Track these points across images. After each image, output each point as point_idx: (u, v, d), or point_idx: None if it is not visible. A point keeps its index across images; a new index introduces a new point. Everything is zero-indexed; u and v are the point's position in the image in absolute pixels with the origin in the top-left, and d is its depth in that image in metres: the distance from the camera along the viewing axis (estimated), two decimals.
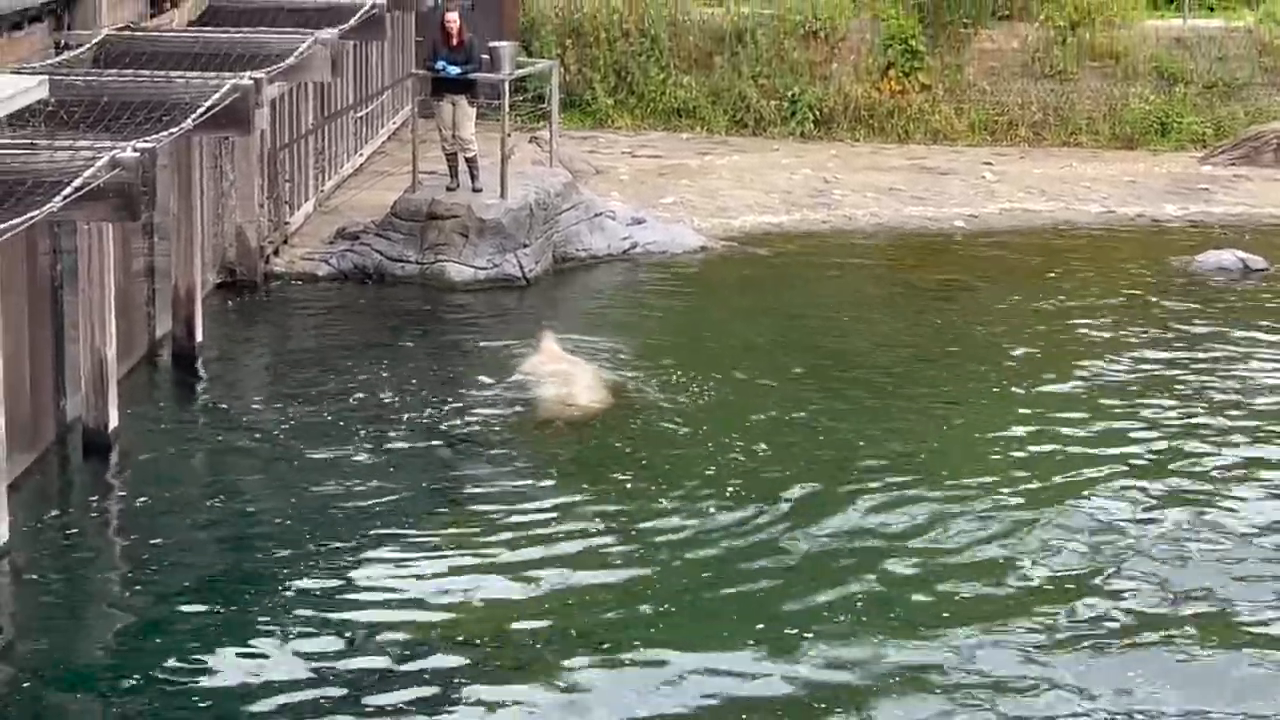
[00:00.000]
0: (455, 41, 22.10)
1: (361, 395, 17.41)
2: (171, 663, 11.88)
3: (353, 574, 13.35)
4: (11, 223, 11.81)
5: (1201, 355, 19.36)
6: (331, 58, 18.08)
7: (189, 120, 14.87)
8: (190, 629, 12.40)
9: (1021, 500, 14.92)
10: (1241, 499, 15.06)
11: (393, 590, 13.07)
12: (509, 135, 22.93)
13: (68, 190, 12.38)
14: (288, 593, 12.98)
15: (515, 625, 12.48)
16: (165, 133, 14.41)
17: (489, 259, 21.75)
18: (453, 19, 22.26)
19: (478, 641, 12.25)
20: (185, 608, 12.72)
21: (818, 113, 30.60)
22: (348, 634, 12.32)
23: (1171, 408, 17.51)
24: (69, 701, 11.47)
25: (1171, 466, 15.83)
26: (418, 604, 12.83)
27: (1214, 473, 15.68)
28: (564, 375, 17.81)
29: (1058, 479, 15.43)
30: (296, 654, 12.04)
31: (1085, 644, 12.29)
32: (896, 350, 19.53)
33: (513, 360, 18.39)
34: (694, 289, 22.18)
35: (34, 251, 15.24)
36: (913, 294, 22.20)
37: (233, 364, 18.88)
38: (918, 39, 30.64)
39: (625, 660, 11.98)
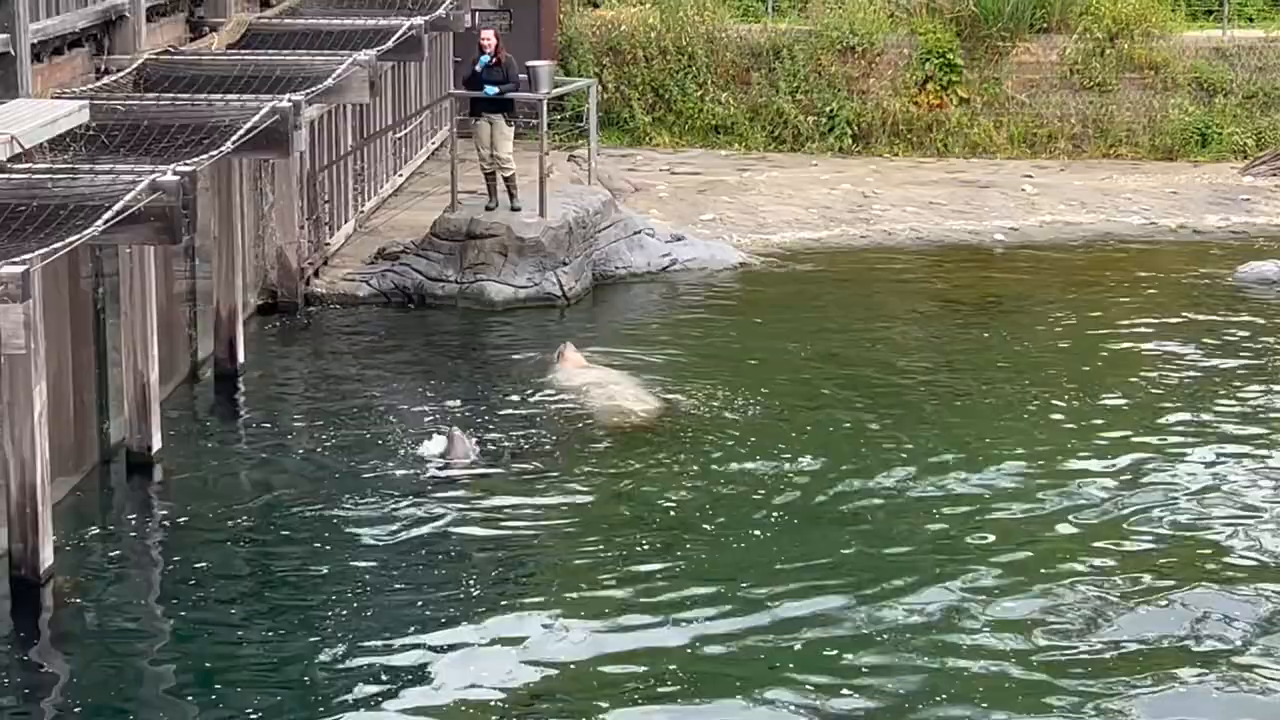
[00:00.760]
0: (493, 60, 22.16)
1: (403, 415, 17.41)
2: (214, 680, 11.90)
3: (397, 596, 13.34)
4: (54, 246, 11.87)
5: (1246, 366, 19.24)
6: (370, 79, 18.10)
7: (229, 143, 14.91)
8: (232, 647, 12.42)
9: (1077, 505, 15.04)
10: None
11: (440, 612, 13.04)
12: (547, 154, 22.95)
13: (109, 214, 12.42)
14: (330, 613, 12.98)
15: (564, 659, 12.38)
16: (205, 155, 14.44)
17: (529, 277, 21.75)
18: (487, 35, 22.36)
19: (525, 665, 12.24)
20: (227, 625, 12.75)
21: (856, 128, 30.54)
22: (392, 657, 12.30)
23: (1218, 420, 17.42)
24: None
25: (1221, 473, 15.85)
26: (465, 627, 12.78)
27: (1263, 483, 15.65)
28: (601, 384, 17.80)
29: (1112, 495, 15.38)
30: (340, 673, 12.05)
31: (1149, 670, 12.15)
32: (940, 365, 19.45)
33: (537, 375, 18.39)
34: (734, 305, 22.15)
35: (76, 275, 15.32)
36: (954, 308, 22.12)
37: (274, 385, 18.91)
38: (955, 52, 30.55)
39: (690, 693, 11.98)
